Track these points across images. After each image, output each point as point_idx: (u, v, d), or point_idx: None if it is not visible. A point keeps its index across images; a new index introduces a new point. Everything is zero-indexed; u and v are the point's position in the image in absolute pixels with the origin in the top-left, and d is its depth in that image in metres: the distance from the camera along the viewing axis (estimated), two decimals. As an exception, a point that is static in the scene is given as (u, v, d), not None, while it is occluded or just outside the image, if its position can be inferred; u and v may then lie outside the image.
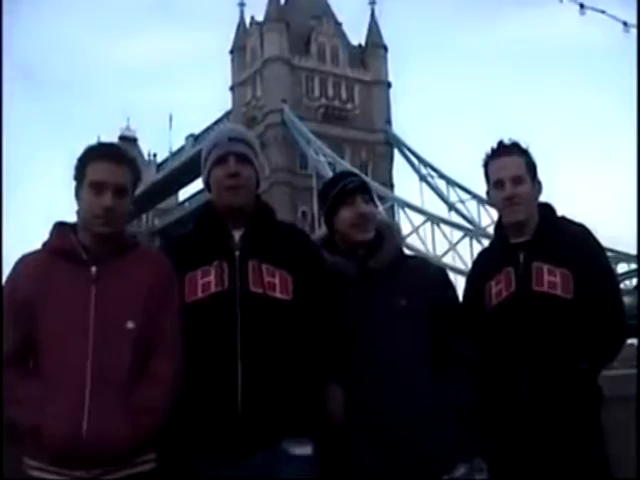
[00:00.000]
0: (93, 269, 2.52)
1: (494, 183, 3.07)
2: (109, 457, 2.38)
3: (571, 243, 2.98)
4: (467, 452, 2.79)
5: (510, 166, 3.02)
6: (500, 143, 3.08)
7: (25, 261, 2.57)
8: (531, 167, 3.07)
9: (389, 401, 2.76)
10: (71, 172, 2.61)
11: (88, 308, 2.46)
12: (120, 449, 2.39)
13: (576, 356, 2.87)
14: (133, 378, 2.46)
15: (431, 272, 3.07)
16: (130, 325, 2.48)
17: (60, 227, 2.61)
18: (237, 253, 2.70)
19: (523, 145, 3.08)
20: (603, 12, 22.23)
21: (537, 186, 3.09)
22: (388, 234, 3.02)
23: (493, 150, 3.08)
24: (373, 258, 2.93)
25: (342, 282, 2.87)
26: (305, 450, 2.63)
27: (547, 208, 3.12)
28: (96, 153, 2.59)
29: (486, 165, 3.10)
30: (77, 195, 2.59)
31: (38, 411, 2.37)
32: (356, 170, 3.51)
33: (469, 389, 2.83)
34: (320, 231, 3.16)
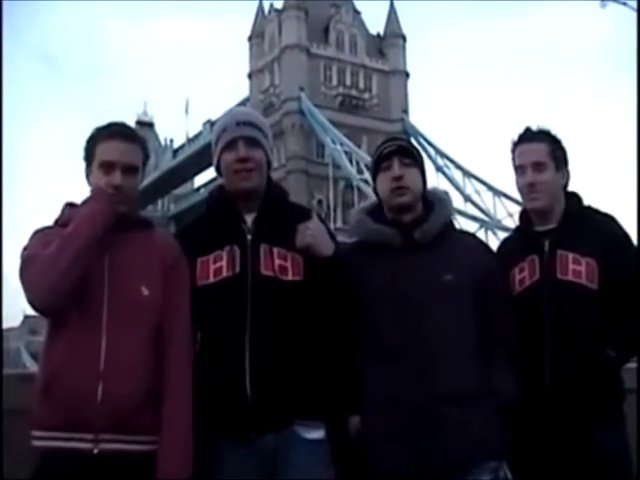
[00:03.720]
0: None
1: (516, 169, 3.06)
2: (123, 408, 2.39)
3: (597, 232, 2.95)
4: (495, 456, 2.68)
5: (532, 152, 3.01)
6: (527, 129, 3.07)
7: (40, 233, 2.57)
8: (557, 154, 3.03)
9: (423, 385, 2.65)
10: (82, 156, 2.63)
11: (102, 275, 2.49)
12: (134, 400, 2.41)
13: (602, 344, 2.85)
14: (150, 348, 2.49)
15: (482, 249, 2.96)
16: (145, 292, 2.51)
17: (71, 206, 2.63)
18: (249, 237, 2.70)
19: (552, 132, 3.06)
20: (624, 4, 21.97)
21: (564, 174, 3.06)
22: (438, 205, 2.90)
23: (519, 136, 3.07)
24: (419, 229, 2.82)
25: (385, 252, 2.80)
26: (317, 434, 2.62)
27: (574, 197, 3.09)
28: (105, 133, 2.59)
29: (513, 152, 3.08)
30: (87, 177, 2.61)
31: (58, 368, 2.41)
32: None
33: (513, 381, 2.75)
34: (363, 203, 3.06)
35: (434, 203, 2.90)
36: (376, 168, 2.91)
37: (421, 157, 2.94)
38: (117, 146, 2.56)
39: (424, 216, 2.85)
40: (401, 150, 2.86)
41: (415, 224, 2.83)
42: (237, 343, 2.57)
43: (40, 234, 2.57)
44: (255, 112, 3.04)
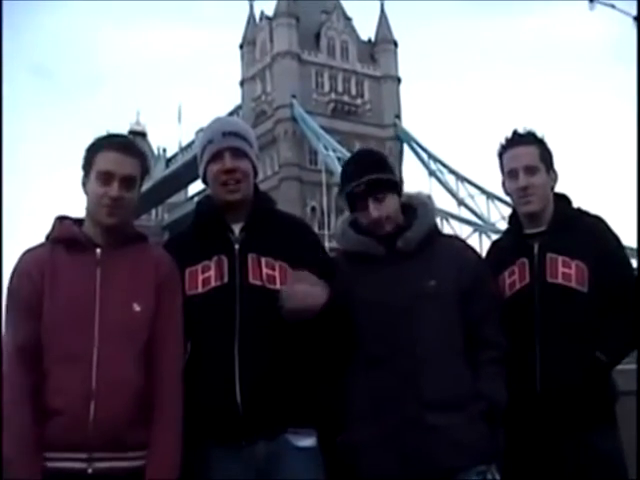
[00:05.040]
0: (98, 251, 2.53)
1: (508, 173, 3.04)
2: (116, 427, 2.38)
3: (586, 235, 2.95)
4: (483, 460, 2.67)
5: (524, 156, 2.99)
6: (514, 132, 3.05)
7: (27, 255, 2.56)
8: (546, 157, 3.03)
9: (409, 393, 2.66)
10: (79, 164, 2.61)
11: (94, 290, 2.47)
12: (126, 418, 2.40)
13: (592, 347, 2.84)
14: (141, 365, 2.47)
15: (468, 253, 2.93)
16: (137, 308, 2.49)
17: (62, 220, 2.61)
18: (237, 246, 2.71)
19: (538, 134, 3.05)
20: (613, 7, 22.06)
21: (552, 176, 3.06)
22: (421, 212, 2.88)
23: (507, 140, 3.05)
24: (401, 237, 2.81)
25: (369, 262, 2.80)
26: (309, 442, 2.63)
27: (563, 199, 3.08)
28: (105, 143, 2.57)
29: (501, 155, 3.07)
30: (84, 185, 2.58)
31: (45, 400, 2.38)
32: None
33: (501, 384, 2.73)
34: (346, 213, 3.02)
35: (417, 208, 2.88)
36: (350, 202, 2.86)
37: (392, 171, 2.90)
38: (117, 157, 2.54)
39: (406, 224, 2.84)
40: (372, 186, 2.79)
41: (397, 233, 2.82)
42: (226, 352, 2.57)
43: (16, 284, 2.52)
44: (240, 121, 3.04)
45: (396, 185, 2.87)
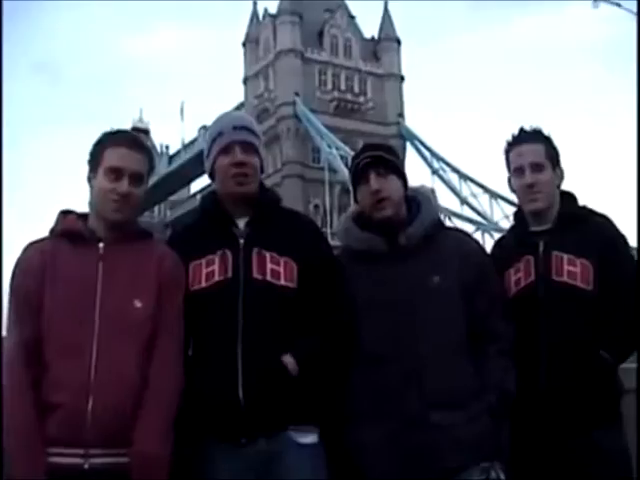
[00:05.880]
0: (101, 246, 2.53)
1: (514, 170, 3.04)
2: (113, 423, 2.38)
3: (592, 233, 2.95)
4: (487, 457, 2.67)
5: (530, 153, 3.00)
6: (521, 130, 3.06)
7: (30, 249, 2.57)
8: (552, 154, 3.04)
9: (413, 392, 2.65)
10: (83, 162, 2.61)
11: (95, 286, 2.47)
12: (123, 414, 2.39)
13: (597, 346, 2.84)
14: (140, 362, 2.46)
15: (472, 247, 2.94)
16: (138, 304, 2.48)
17: (66, 214, 2.62)
18: (241, 241, 2.70)
19: (545, 132, 3.06)
20: (618, 5, 22.07)
21: (559, 173, 3.06)
22: (424, 206, 2.87)
23: (514, 137, 3.05)
24: (404, 233, 2.81)
25: (372, 259, 2.80)
26: (310, 439, 2.62)
27: (569, 197, 3.08)
28: (114, 139, 2.58)
29: (507, 152, 3.07)
30: (90, 181, 2.59)
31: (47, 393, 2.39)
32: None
33: (510, 374, 2.73)
34: (351, 208, 3.04)
35: (420, 203, 2.88)
36: (354, 180, 2.90)
37: (398, 158, 2.92)
38: (126, 153, 2.56)
39: (409, 219, 2.84)
40: (376, 161, 2.83)
41: (400, 228, 2.81)
42: (229, 347, 2.57)
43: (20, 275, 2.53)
44: (248, 116, 3.06)
45: (399, 171, 2.87)
